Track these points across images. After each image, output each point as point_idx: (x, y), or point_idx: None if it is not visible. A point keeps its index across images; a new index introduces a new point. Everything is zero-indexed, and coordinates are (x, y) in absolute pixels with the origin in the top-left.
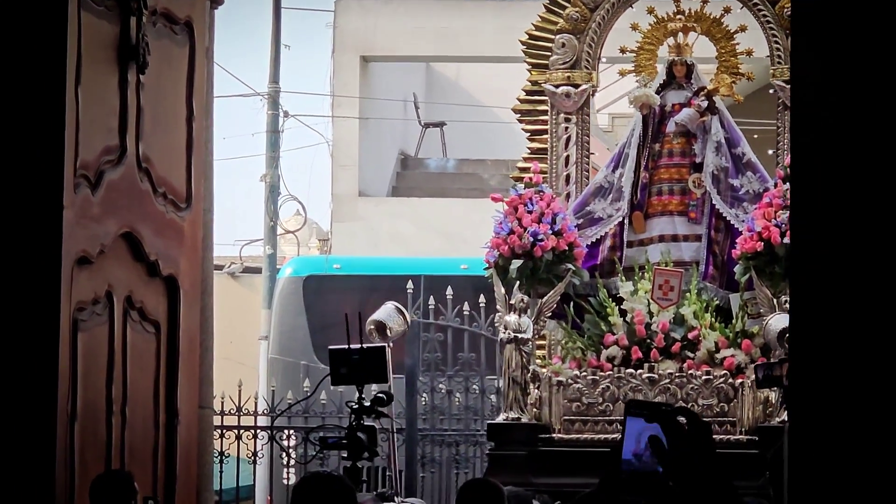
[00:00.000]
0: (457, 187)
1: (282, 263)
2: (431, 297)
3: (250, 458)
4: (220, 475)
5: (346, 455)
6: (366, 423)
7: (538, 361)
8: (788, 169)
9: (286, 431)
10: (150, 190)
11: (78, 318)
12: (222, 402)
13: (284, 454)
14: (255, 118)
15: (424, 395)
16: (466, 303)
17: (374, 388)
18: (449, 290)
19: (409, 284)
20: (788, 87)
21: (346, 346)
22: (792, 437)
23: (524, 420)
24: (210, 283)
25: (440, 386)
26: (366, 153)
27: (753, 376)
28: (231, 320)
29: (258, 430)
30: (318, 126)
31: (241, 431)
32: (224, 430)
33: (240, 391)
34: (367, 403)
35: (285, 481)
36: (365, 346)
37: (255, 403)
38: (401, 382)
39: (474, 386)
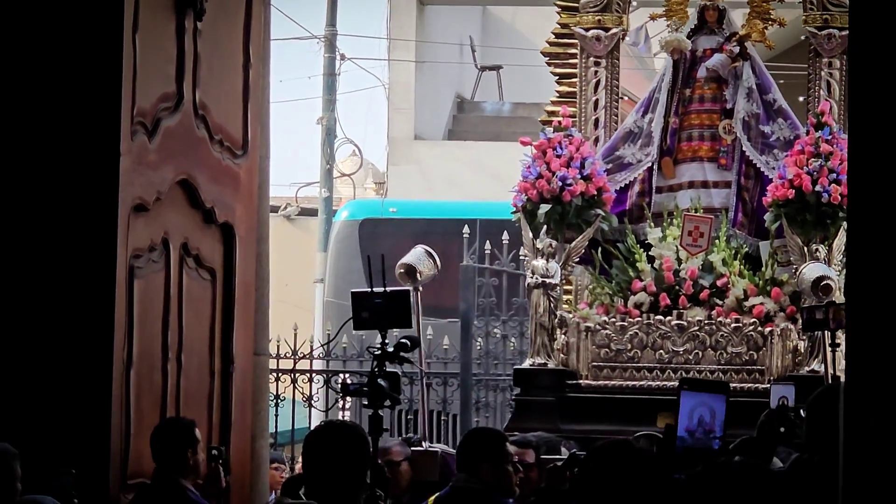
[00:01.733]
0: (512, 131)
1: (338, 205)
2: (487, 241)
3: (305, 401)
4: (276, 418)
5: (365, 403)
6: (388, 370)
7: (565, 307)
8: (821, 116)
9: (341, 375)
10: (206, 137)
11: (134, 266)
12: (278, 346)
13: (339, 397)
14: (312, 61)
15: (479, 339)
16: (522, 247)
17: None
18: (504, 235)
19: (465, 229)
20: (820, 33)
21: (369, 290)
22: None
23: (551, 366)
24: (266, 230)
25: (495, 331)
26: (421, 96)
27: (783, 324)
28: (287, 263)
29: (313, 374)
30: (375, 69)
31: (297, 375)
32: (279, 374)
33: (295, 335)
34: (391, 349)
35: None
36: (388, 289)
37: (311, 347)
38: (455, 327)
39: (528, 331)
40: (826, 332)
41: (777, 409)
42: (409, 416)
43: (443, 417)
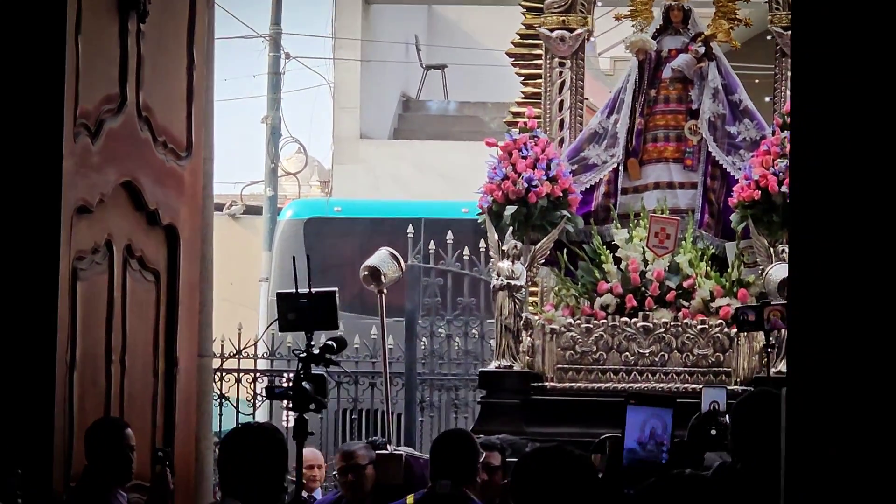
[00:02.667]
0: (458, 130)
1: (283, 204)
2: (432, 241)
3: (250, 400)
4: (220, 418)
5: (290, 406)
6: (314, 373)
7: (531, 309)
8: (787, 116)
9: (285, 374)
10: (150, 139)
11: (77, 268)
12: (222, 345)
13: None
14: (257, 60)
15: (424, 339)
16: (467, 247)
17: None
18: (449, 235)
19: (410, 228)
20: (787, 33)
21: (294, 290)
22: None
23: (516, 368)
24: (210, 231)
25: (440, 330)
26: (367, 95)
27: (735, 317)
28: (231, 262)
29: (258, 374)
30: (320, 68)
31: (241, 374)
32: (224, 374)
33: (240, 334)
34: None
35: (285, 423)
36: (314, 290)
37: (255, 346)
38: (400, 326)
39: (474, 331)
40: (764, 333)
41: (707, 413)
42: (353, 417)
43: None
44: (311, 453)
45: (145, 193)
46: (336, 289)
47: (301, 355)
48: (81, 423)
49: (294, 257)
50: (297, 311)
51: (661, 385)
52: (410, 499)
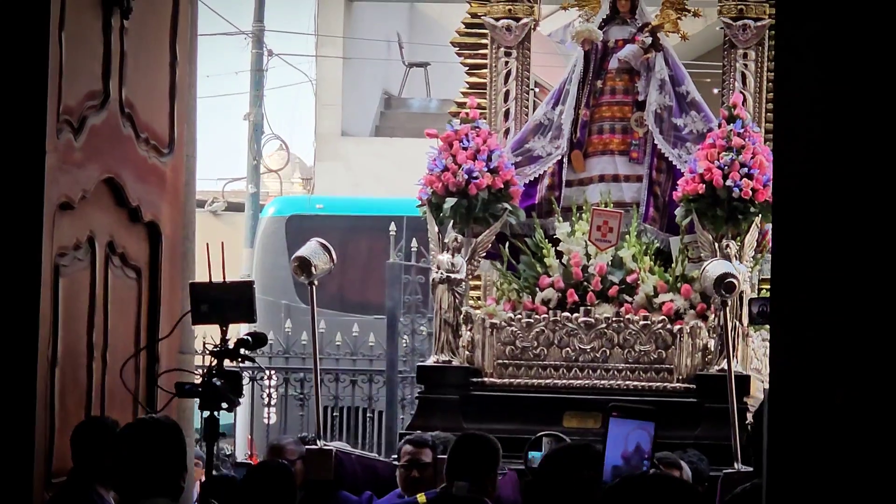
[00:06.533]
0: (439, 128)
1: (266, 200)
2: (413, 238)
3: None
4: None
5: (200, 404)
6: (228, 369)
7: (472, 303)
8: (733, 109)
9: (266, 371)
10: (132, 135)
11: (59, 264)
12: (204, 342)
13: (265, 394)
14: (240, 57)
15: (405, 337)
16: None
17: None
18: None
19: (392, 226)
20: (735, 24)
21: (208, 281)
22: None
23: (455, 363)
24: (192, 228)
25: (421, 328)
26: (349, 93)
27: (692, 322)
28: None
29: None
30: (302, 65)
31: None
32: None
33: (222, 331)
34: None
35: (266, 421)
36: (228, 280)
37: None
38: (382, 324)
39: None
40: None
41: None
42: (334, 414)
43: (368, 414)
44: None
45: (127, 190)
46: (253, 280)
47: (214, 350)
48: (63, 421)
49: (207, 244)
50: (210, 303)
51: (602, 382)
52: (422, 497)
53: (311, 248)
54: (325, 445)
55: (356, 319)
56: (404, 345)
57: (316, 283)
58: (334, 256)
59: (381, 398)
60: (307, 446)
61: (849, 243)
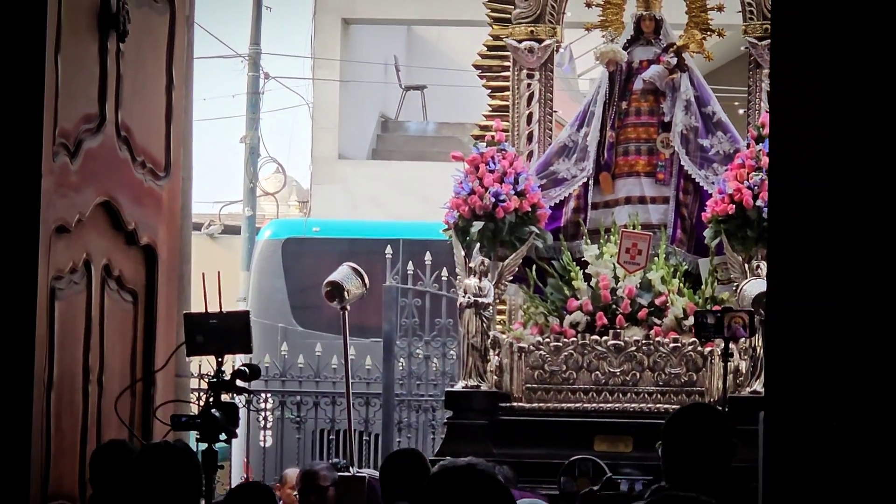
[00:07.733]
0: (436, 151)
1: (262, 223)
2: (410, 261)
3: None
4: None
5: (199, 436)
6: (225, 401)
7: (499, 327)
8: (762, 129)
9: (263, 395)
10: (128, 158)
11: (55, 287)
12: (199, 366)
13: (261, 417)
14: (236, 79)
15: (401, 360)
16: (445, 268)
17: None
18: (427, 255)
19: (388, 249)
20: (761, 43)
21: (204, 311)
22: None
23: (484, 388)
24: (188, 251)
25: (417, 351)
26: (346, 116)
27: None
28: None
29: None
30: (299, 88)
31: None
32: (201, 394)
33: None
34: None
35: (262, 444)
36: (225, 311)
37: (232, 366)
38: (378, 347)
39: (451, 352)
40: (724, 340)
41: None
42: (330, 437)
43: (365, 437)
44: (295, 474)
45: (124, 213)
46: (249, 310)
47: (211, 381)
48: (59, 443)
49: (203, 274)
50: (206, 334)
51: (633, 405)
52: None
53: (343, 273)
54: (357, 472)
55: (353, 342)
56: (401, 368)
57: (349, 307)
58: (366, 280)
59: (378, 421)
60: (340, 473)
61: (846, 264)
